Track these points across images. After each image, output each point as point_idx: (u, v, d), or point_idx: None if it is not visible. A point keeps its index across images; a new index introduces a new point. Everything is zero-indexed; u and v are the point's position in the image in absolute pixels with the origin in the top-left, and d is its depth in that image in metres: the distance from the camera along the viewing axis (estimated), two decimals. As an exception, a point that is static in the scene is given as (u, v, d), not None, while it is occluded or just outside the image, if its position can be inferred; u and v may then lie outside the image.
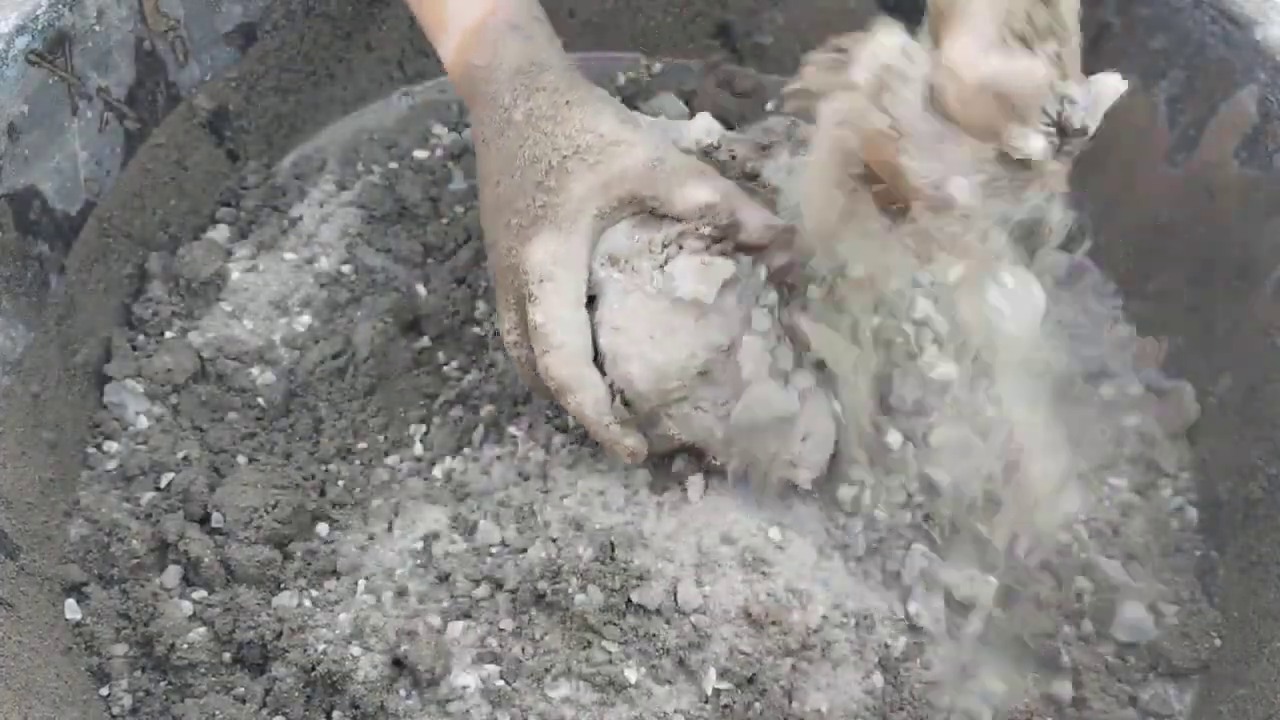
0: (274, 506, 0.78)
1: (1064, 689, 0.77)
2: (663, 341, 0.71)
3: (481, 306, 0.90)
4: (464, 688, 0.70)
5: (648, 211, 0.73)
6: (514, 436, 0.82)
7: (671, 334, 0.71)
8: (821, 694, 0.70)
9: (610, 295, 0.73)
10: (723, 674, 0.69)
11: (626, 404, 0.73)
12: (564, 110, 0.73)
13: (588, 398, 0.72)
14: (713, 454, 0.75)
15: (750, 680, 0.69)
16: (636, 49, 1.08)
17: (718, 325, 0.72)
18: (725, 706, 0.69)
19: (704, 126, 0.77)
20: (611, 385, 0.73)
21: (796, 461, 0.74)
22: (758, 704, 0.69)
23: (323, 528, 0.80)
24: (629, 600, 0.70)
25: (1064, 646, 0.78)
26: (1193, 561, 0.85)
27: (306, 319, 0.90)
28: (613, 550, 0.71)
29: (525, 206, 0.72)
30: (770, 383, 0.71)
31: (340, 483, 0.83)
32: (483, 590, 0.74)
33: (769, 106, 1.02)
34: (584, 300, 0.72)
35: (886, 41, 0.57)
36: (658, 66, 1.08)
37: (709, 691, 0.69)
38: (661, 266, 0.71)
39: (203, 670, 0.73)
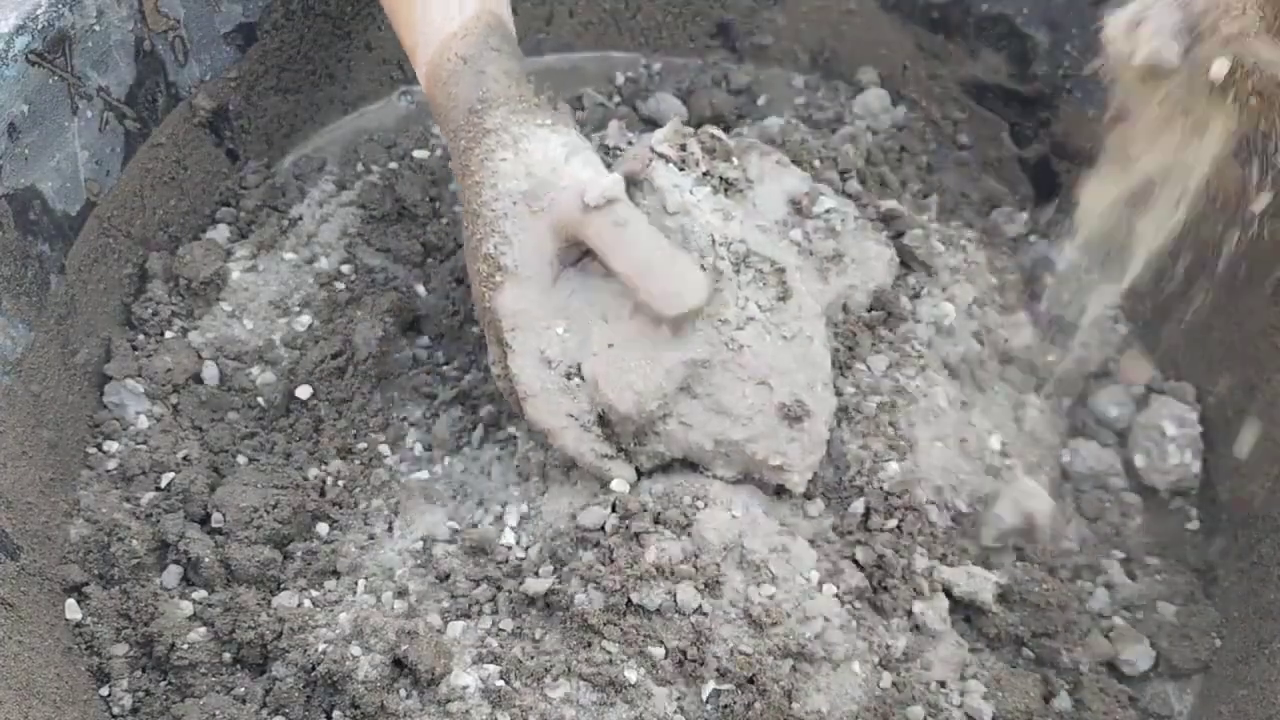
0: (274, 506, 0.78)
1: (1063, 689, 0.77)
2: (640, 363, 0.72)
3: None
4: (464, 688, 0.70)
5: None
6: (514, 436, 0.82)
7: (649, 354, 0.72)
8: (822, 695, 0.70)
9: (588, 313, 0.74)
10: (722, 675, 0.69)
11: (610, 424, 0.74)
12: (510, 152, 0.74)
13: (569, 438, 0.74)
14: (704, 465, 0.75)
15: (750, 680, 0.69)
16: (636, 49, 1.09)
17: (695, 339, 0.72)
18: (725, 707, 0.69)
19: (607, 183, 0.73)
20: (598, 409, 0.74)
21: (787, 466, 0.75)
22: (758, 704, 0.69)
23: (323, 528, 0.80)
24: (629, 600, 0.70)
25: (1064, 647, 0.79)
26: (1193, 561, 0.85)
27: (306, 319, 0.90)
28: (612, 551, 0.71)
29: (488, 254, 0.74)
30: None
31: (340, 483, 0.83)
32: (483, 590, 0.74)
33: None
34: (557, 340, 0.74)
35: None
36: (657, 66, 1.08)
37: (709, 692, 0.69)
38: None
39: (203, 670, 0.73)
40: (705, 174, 0.79)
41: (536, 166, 0.74)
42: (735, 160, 0.82)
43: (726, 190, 0.80)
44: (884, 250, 0.84)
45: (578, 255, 0.75)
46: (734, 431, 0.74)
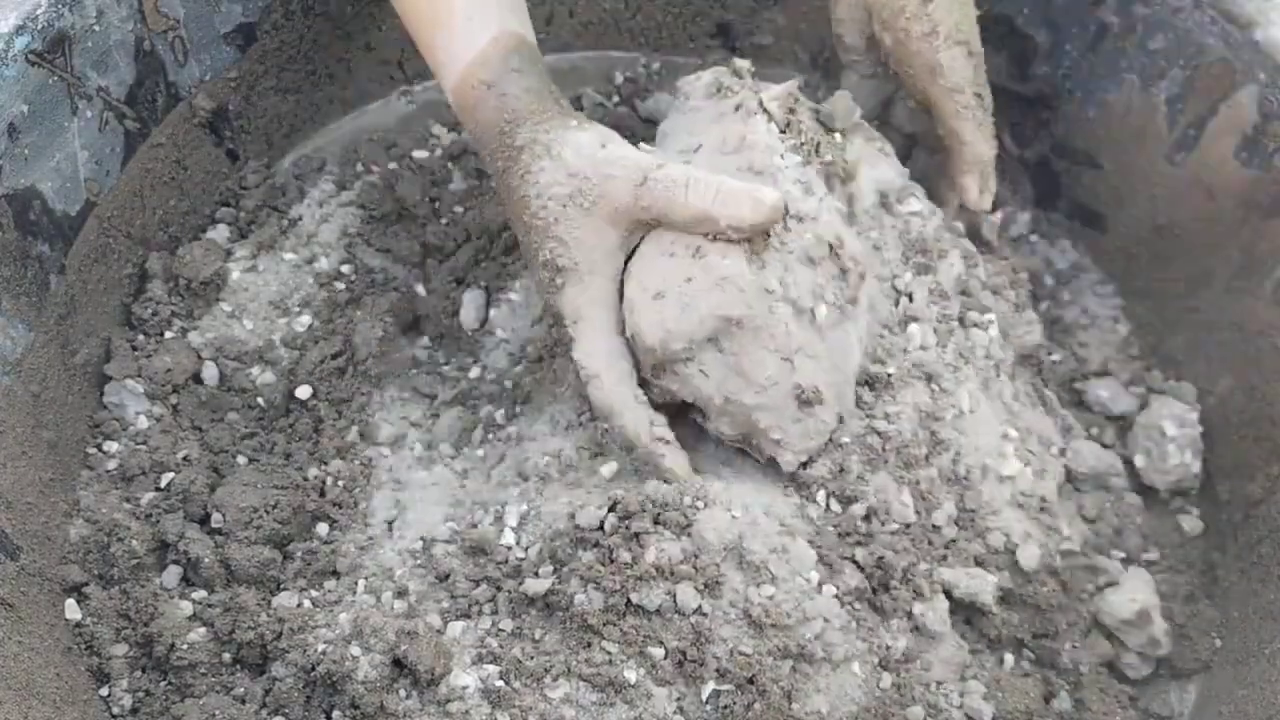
0: (274, 506, 0.78)
1: (1064, 690, 0.77)
2: (677, 302, 0.73)
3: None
4: (464, 688, 0.70)
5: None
6: (514, 436, 0.82)
7: (688, 296, 0.73)
8: (822, 695, 0.70)
9: (646, 248, 0.75)
10: (722, 675, 0.69)
11: (633, 352, 0.75)
12: (546, 160, 0.75)
13: (628, 420, 0.76)
14: (708, 416, 0.76)
15: (750, 681, 0.69)
16: (636, 49, 1.09)
17: (735, 298, 0.72)
18: (725, 707, 0.69)
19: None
20: (627, 334, 0.75)
21: (784, 444, 0.75)
22: (757, 704, 0.69)
23: (322, 528, 0.80)
24: (629, 601, 0.70)
25: (1064, 647, 0.78)
26: (1193, 561, 0.85)
27: (306, 319, 0.90)
28: (612, 552, 0.71)
29: (545, 260, 0.75)
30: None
31: (340, 483, 0.83)
32: (482, 590, 0.74)
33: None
34: (619, 330, 0.76)
35: None
36: (657, 66, 1.08)
37: (708, 693, 0.69)
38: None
39: (203, 670, 0.73)
40: (803, 144, 0.78)
41: (575, 166, 0.74)
42: (839, 138, 0.81)
43: (821, 163, 0.79)
44: (957, 261, 0.84)
45: (638, 241, 0.76)
46: (745, 395, 0.74)
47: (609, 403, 0.76)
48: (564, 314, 0.76)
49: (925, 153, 0.93)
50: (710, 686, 0.69)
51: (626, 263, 0.76)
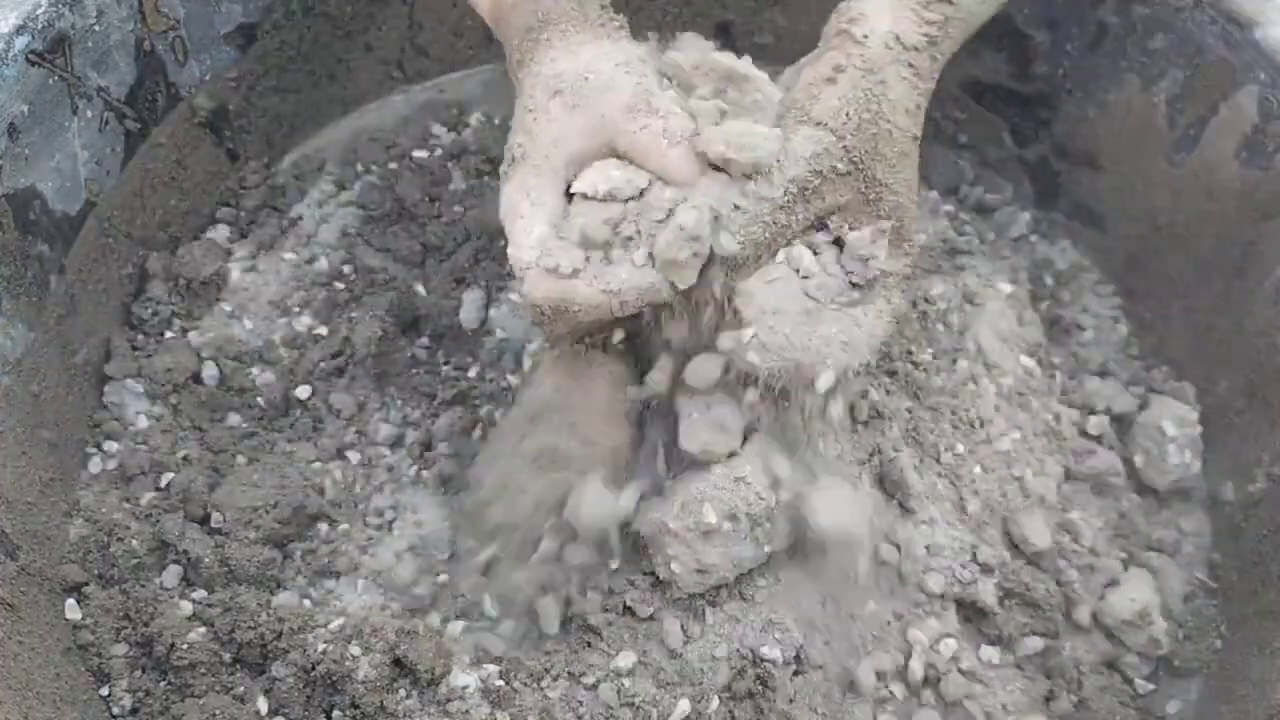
0: (274, 506, 0.78)
1: (1064, 689, 0.77)
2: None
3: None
4: (464, 688, 0.70)
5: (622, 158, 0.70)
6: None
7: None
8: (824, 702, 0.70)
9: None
10: (725, 682, 0.70)
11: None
12: (563, 54, 0.71)
13: (568, 290, 0.68)
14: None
15: (753, 682, 0.70)
16: (636, 49, 1.08)
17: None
18: (728, 711, 0.69)
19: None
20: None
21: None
22: (762, 705, 0.69)
23: (322, 527, 0.80)
24: (628, 602, 0.70)
25: (1064, 647, 0.79)
26: (1193, 561, 0.85)
27: (306, 319, 0.90)
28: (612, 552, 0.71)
29: (508, 149, 0.71)
30: None
31: (340, 483, 0.83)
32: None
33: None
34: (550, 225, 0.69)
35: None
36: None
37: (709, 694, 0.69)
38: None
39: (203, 670, 0.73)
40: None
41: (587, 66, 0.70)
42: None
43: None
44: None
45: (593, 160, 0.70)
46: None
47: (543, 292, 0.67)
48: (503, 206, 0.70)
49: None
50: (711, 687, 0.69)
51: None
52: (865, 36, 0.69)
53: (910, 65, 0.70)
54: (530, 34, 0.72)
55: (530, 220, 0.69)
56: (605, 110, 0.69)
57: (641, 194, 0.67)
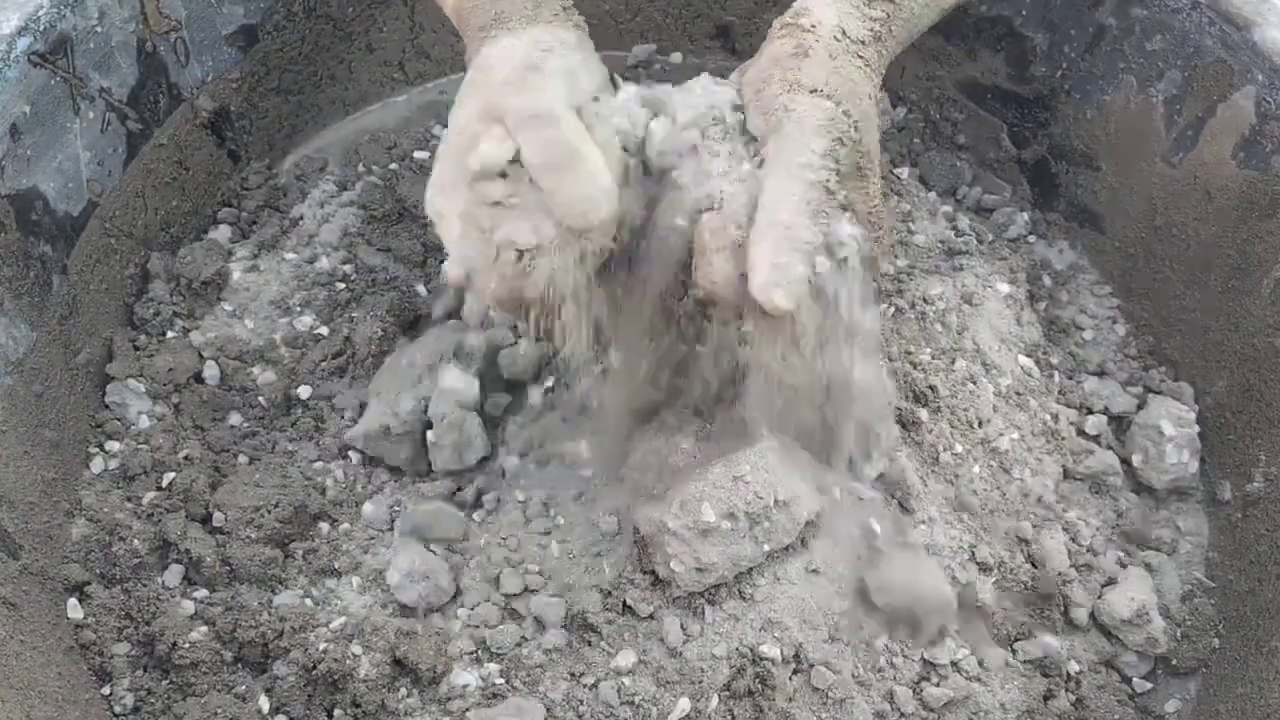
0: (275, 506, 0.78)
1: (1063, 689, 0.77)
2: None
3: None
4: (464, 687, 0.70)
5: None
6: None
7: None
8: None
9: None
10: (725, 681, 0.70)
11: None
12: (504, 35, 0.70)
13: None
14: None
15: (754, 683, 0.70)
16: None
17: None
18: (727, 710, 0.69)
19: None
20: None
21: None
22: (761, 703, 0.69)
23: (323, 527, 0.81)
24: (628, 601, 0.71)
25: (1064, 646, 0.79)
26: (1192, 561, 0.85)
27: (307, 319, 0.90)
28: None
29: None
30: None
31: (341, 482, 0.83)
32: (483, 590, 0.74)
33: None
34: (462, 219, 0.69)
35: None
36: (657, 66, 1.08)
37: (709, 693, 0.69)
38: None
39: (204, 669, 0.73)
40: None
41: (501, 53, 0.69)
42: None
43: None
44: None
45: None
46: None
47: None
48: (425, 203, 0.71)
49: None
50: (711, 687, 0.69)
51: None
52: (814, 26, 0.69)
53: (859, 56, 0.70)
54: (482, 31, 0.72)
55: (450, 220, 0.70)
56: (490, 87, 0.69)
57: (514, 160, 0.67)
